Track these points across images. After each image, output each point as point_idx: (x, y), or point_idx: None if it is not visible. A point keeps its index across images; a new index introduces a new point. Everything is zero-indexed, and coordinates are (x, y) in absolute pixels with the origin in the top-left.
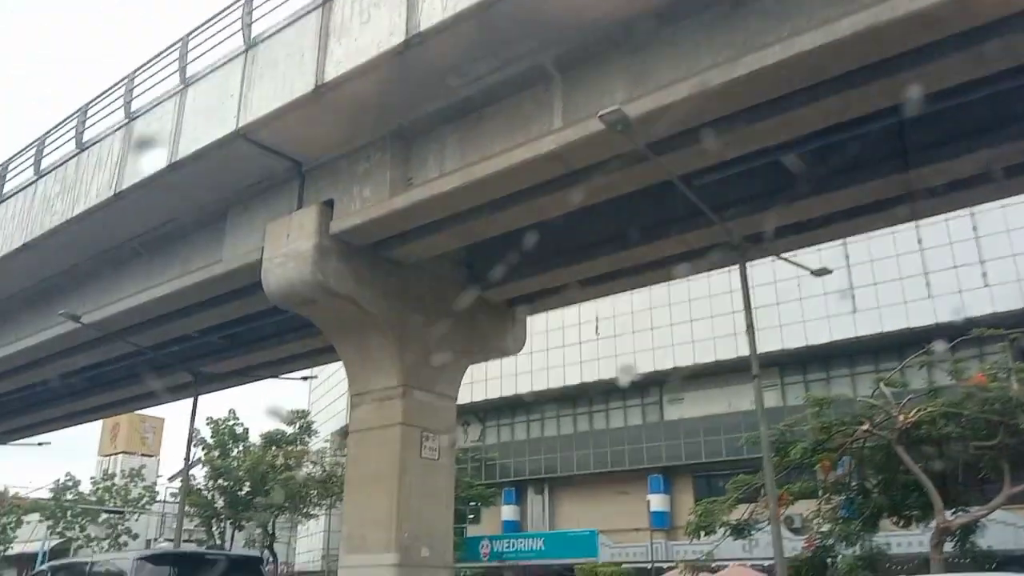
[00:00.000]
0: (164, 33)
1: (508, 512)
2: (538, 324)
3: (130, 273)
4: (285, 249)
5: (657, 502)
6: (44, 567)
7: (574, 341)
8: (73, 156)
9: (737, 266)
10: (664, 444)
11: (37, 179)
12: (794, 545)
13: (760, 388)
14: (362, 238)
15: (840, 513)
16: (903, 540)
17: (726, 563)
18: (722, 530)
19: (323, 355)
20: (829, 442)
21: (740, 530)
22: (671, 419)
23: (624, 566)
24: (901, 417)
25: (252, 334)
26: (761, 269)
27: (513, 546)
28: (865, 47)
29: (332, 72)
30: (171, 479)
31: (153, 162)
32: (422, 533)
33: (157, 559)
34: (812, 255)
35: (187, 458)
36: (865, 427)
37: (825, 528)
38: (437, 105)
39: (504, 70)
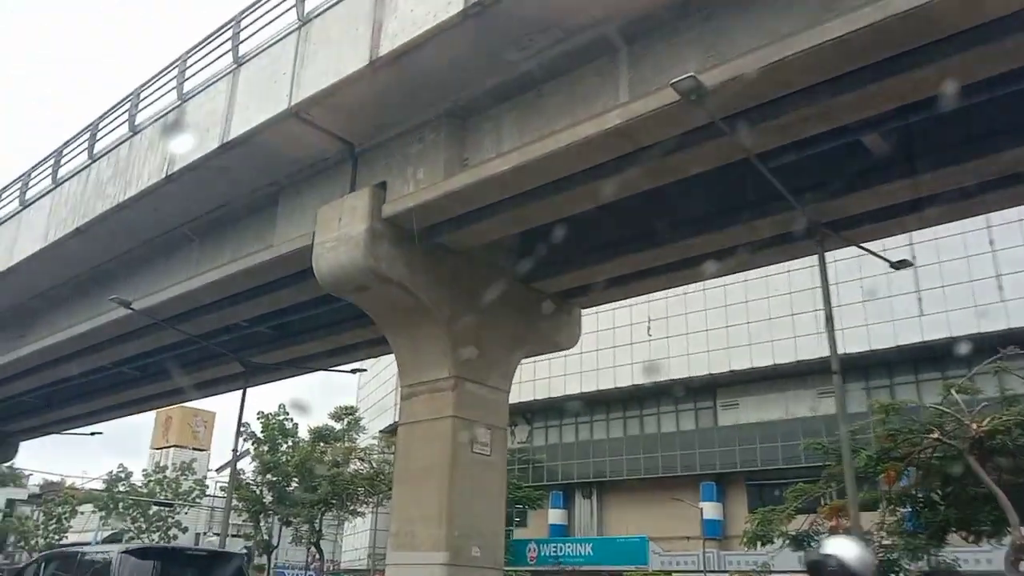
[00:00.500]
0: (166, 32)
1: (555, 516)
2: (588, 324)
3: (181, 259)
4: (337, 233)
5: (710, 510)
6: (38, 555)
7: (625, 342)
8: (125, 140)
9: (796, 267)
10: (718, 450)
11: (91, 163)
12: None
13: (841, 385)
14: (415, 222)
15: (905, 526)
16: (972, 556)
17: (782, 575)
18: (780, 540)
19: (374, 347)
20: (895, 450)
21: (800, 541)
22: (725, 424)
23: (675, 575)
24: (974, 426)
25: (302, 324)
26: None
27: (561, 550)
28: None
29: (387, 46)
30: (218, 470)
31: (204, 144)
32: (473, 532)
33: (140, 553)
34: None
35: (235, 449)
36: (935, 436)
37: (889, 541)
38: (495, 81)
39: (566, 42)
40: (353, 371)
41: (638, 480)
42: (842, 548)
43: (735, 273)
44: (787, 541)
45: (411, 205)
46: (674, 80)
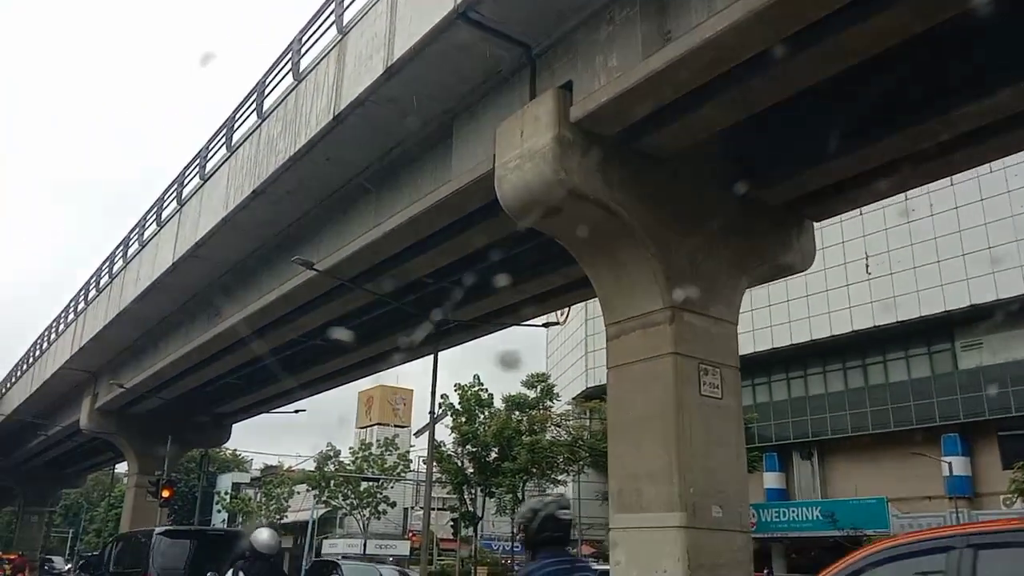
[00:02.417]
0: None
1: (771, 479)
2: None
3: (359, 213)
4: (519, 150)
5: (955, 465)
6: (111, 539)
7: (840, 284)
8: (291, 90)
9: None
10: (961, 398)
11: (260, 122)
12: None
13: None
14: (609, 123)
15: None
16: None
17: None
18: None
19: (565, 293)
20: None
21: None
22: (967, 368)
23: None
24: None
25: (488, 275)
26: None
27: (783, 516)
28: None
29: None
30: (417, 434)
31: (370, 72)
32: (711, 489)
33: (174, 534)
34: None
35: (432, 411)
36: None
37: None
38: None
39: None
40: (545, 325)
41: (865, 436)
42: None
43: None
44: None
45: (604, 100)
46: None
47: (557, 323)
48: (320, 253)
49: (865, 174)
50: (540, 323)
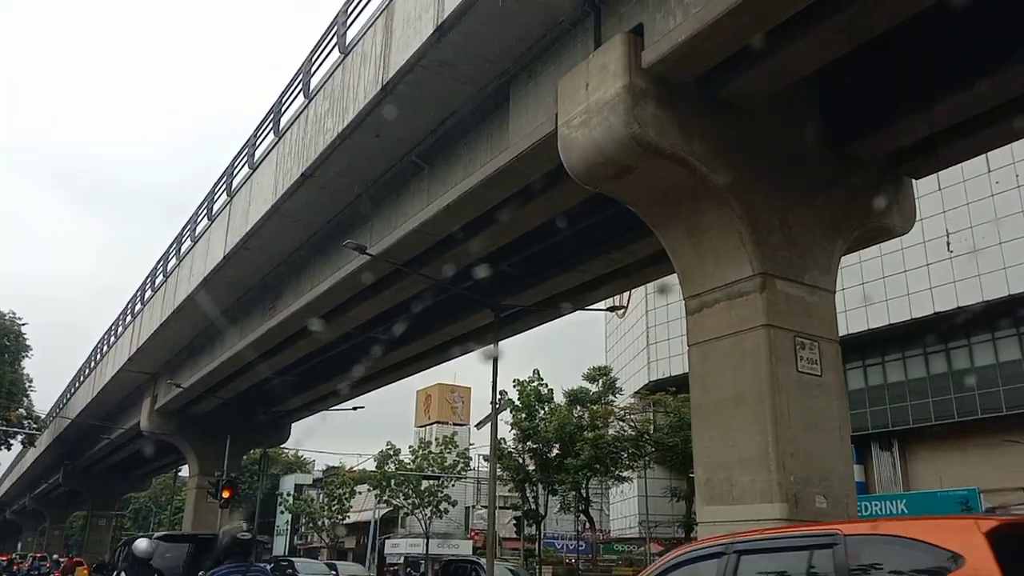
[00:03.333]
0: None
1: None
2: (870, 249)
3: (411, 193)
4: (584, 104)
5: None
6: (122, 542)
7: (919, 264)
8: (338, 64)
9: None
10: None
11: (307, 102)
12: None
13: None
14: (686, 68)
15: None
16: None
17: None
18: None
19: (631, 275)
20: None
21: None
22: None
23: None
24: None
25: (549, 255)
26: None
27: (866, 510)
28: None
29: None
30: (478, 425)
31: (419, 34)
32: (813, 476)
33: (173, 539)
34: None
35: (494, 402)
36: None
37: None
38: None
39: None
40: (611, 309)
41: (949, 424)
42: None
43: None
44: None
45: (680, 40)
46: None
47: (623, 307)
48: (373, 238)
49: (967, 123)
50: (604, 307)
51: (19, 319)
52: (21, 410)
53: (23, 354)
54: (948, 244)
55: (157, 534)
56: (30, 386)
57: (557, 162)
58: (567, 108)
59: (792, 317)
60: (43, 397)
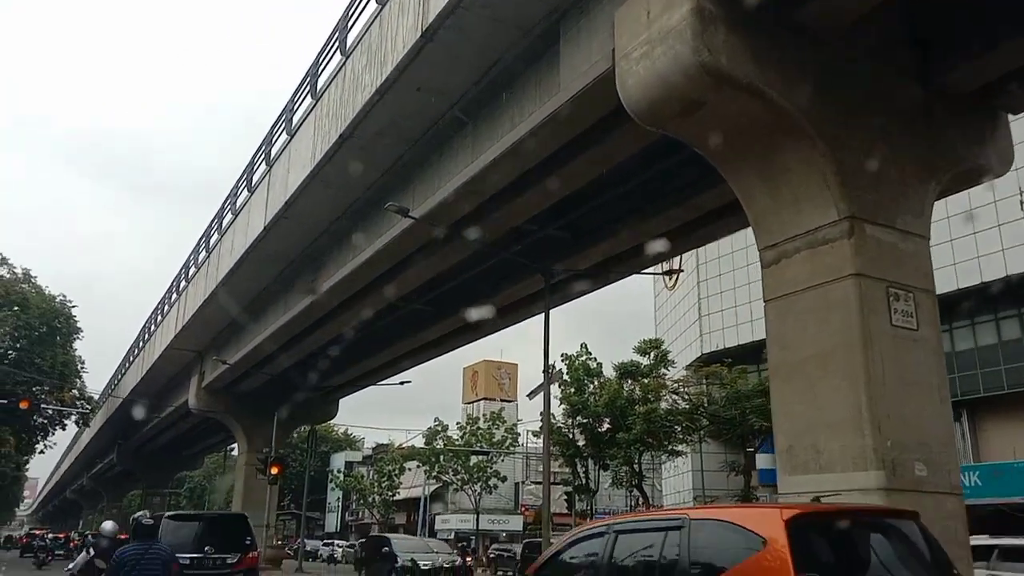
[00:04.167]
0: None
1: None
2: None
3: (455, 151)
4: (646, 34)
5: None
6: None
7: (989, 224)
8: (375, 16)
9: None
10: None
11: (345, 60)
12: None
13: None
14: None
15: None
16: None
17: None
18: None
19: (691, 233)
20: None
21: None
22: None
23: None
24: None
25: (599, 216)
26: None
27: None
28: None
29: None
30: (530, 395)
31: None
32: (911, 441)
33: (179, 518)
34: None
35: (546, 370)
36: None
37: None
38: None
39: None
40: (666, 272)
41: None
42: None
43: None
44: None
45: None
46: None
47: (680, 270)
48: (415, 202)
49: None
50: (661, 271)
51: (70, 302)
52: (74, 391)
53: (74, 336)
54: (1022, 203)
55: (168, 513)
56: (82, 368)
57: (613, 104)
58: (625, 41)
59: (884, 265)
60: (94, 378)
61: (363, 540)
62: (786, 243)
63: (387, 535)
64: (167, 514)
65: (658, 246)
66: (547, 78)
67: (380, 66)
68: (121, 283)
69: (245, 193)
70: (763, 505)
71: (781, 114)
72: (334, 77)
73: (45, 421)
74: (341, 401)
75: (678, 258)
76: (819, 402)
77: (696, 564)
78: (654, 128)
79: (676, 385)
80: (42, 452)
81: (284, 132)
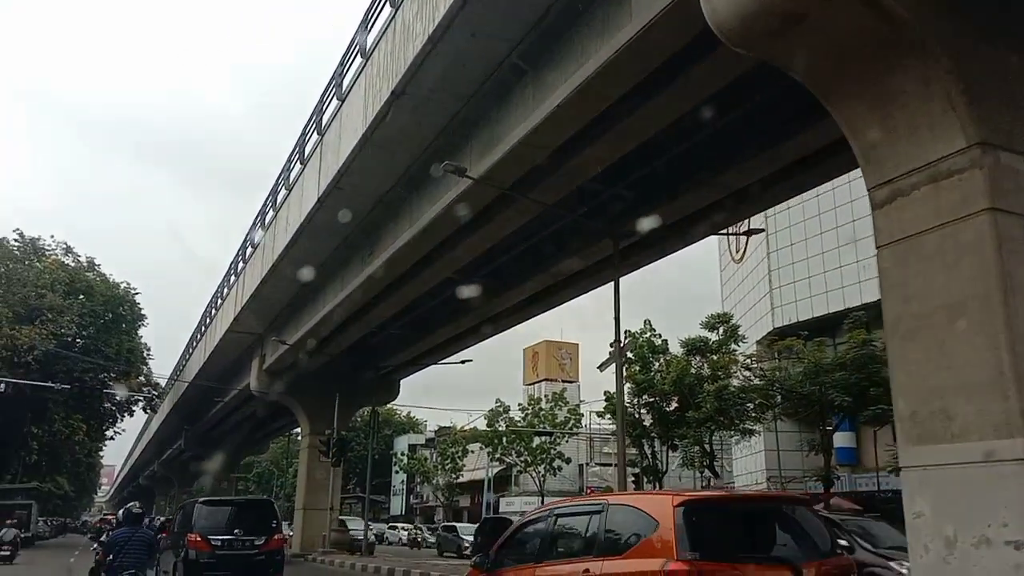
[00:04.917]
0: None
1: None
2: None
3: (514, 104)
4: None
5: None
6: (179, 507)
7: None
8: None
9: None
10: None
11: (395, 12)
12: None
13: None
14: None
15: None
16: None
17: None
18: None
19: (771, 187)
20: None
21: None
22: None
23: None
24: None
25: (674, 171)
26: None
27: None
28: None
29: None
30: (601, 367)
31: None
32: None
33: (211, 503)
34: None
35: (617, 339)
36: None
37: None
38: None
39: None
40: (747, 233)
41: None
42: None
43: None
44: None
45: None
46: None
47: (762, 230)
48: (472, 162)
49: None
50: (742, 231)
51: (133, 289)
52: (141, 377)
53: (139, 323)
54: None
55: (200, 499)
56: (148, 354)
57: (691, 34)
58: None
59: (1020, 198)
60: (164, 365)
61: (483, 521)
62: (902, 179)
63: (506, 516)
64: (200, 500)
65: (733, 207)
66: (615, 11)
67: (432, 12)
68: (190, 270)
69: (298, 167)
70: (657, 493)
71: (897, 25)
72: (384, 31)
73: (113, 407)
74: (402, 383)
75: (746, 223)
76: (950, 361)
77: (609, 541)
78: (744, 50)
79: (748, 360)
80: (112, 439)
81: (335, 97)
